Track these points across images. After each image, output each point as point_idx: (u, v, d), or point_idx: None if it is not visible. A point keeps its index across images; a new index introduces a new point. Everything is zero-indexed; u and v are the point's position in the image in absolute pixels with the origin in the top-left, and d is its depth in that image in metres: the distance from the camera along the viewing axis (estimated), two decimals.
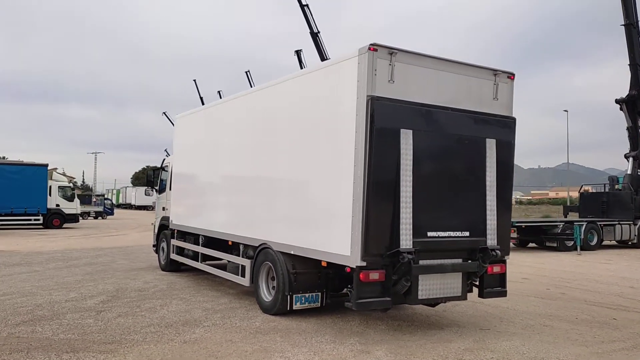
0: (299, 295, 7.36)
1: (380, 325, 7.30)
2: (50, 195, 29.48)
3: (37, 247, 18.11)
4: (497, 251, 6.80)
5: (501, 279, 7.33)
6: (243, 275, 8.53)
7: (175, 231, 11.59)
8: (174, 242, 11.56)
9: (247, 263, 8.41)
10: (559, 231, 19.95)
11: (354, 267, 6.15)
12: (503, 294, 7.41)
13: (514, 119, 7.26)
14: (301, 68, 43.50)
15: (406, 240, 6.20)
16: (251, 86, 52.02)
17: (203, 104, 59.11)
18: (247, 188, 8.84)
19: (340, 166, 6.44)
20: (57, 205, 29.87)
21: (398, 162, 6.20)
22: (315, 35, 38.96)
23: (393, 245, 6.18)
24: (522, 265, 15.01)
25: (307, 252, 7.03)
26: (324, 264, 6.87)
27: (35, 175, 28.80)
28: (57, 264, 13.43)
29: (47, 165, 29.65)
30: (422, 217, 6.38)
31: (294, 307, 7.33)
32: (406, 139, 6.26)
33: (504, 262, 7.31)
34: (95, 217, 44.51)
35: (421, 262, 6.42)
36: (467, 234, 6.75)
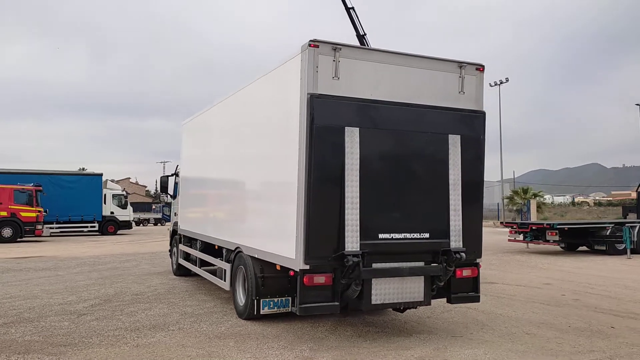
0: (267, 299, 7.22)
1: (347, 331, 7.05)
2: (105, 203, 30.91)
3: (78, 253, 18.97)
4: (462, 254, 6.39)
5: (473, 283, 6.91)
6: (225, 280, 8.52)
7: (182, 236, 11.78)
8: (181, 247, 11.76)
9: (227, 267, 8.39)
10: (607, 233, 18.64)
11: (297, 270, 5.98)
12: (475, 299, 6.97)
13: (482, 113, 6.83)
14: None
15: (352, 243, 5.95)
16: None
17: None
18: (225, 193, 8.87)
19: (288, 167, 6.29)
20: (112, 212, 31.28)
21: (343, 162, 5.97)
22: (361, 38, 38.82)
23: (339, 248, 5.95)
24: (554, 270, 14.17)
25: (267, 255, 6.91)
26: (277, 267, 6.71)
27: (90, 184, 30.35)
28: (82, 269, 13.99)
29: (101, 174, 31.14)
30: (373, 219, 6.11)
31: (262, 312, 7.20)
32: (352, 137, 6.02)
33: (476, 265, 6.88)
34: (155, 224, 46.20)
35: (375, 265, 6.16)
36: (426, 235, 6.40)
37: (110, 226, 31.03)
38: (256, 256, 7.21)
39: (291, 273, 6.10)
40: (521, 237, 19.56)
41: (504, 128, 48.68)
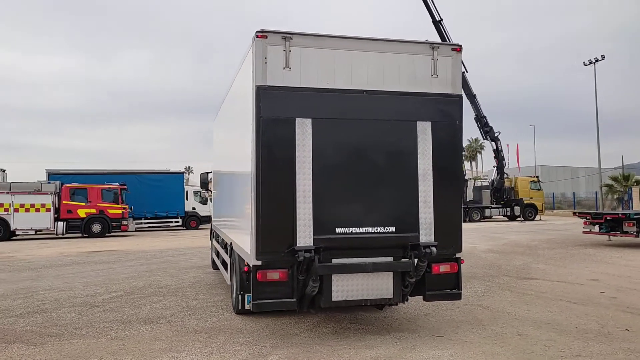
0: (250, 294, 7.21)
1: (327, 328, 6.87)
2: (187, 199, 32.51)
3: (148, 247, 20.10)
4: (432, 248, 5.97)
5: (453, 279, 6.44)
6: (227, 274, 8.64)
7: (213, 231, 12.10)
8: (212, 241, 12.08)
9: (229, 262, 8.49)
10: None
11: (251, 266, 5.90)
12: (455, 296, 6.50)
13: (458, 96, 6.34)
14: None
15: (305, 238, 5.77)
16: None
17: None
18: (225, 188, 8.97)
19: (248, 162, 6.21)
20: (193, 208, 32.81)
21: (294, 155, 5.80)
22: (437, 24, 37.62)
23: (293, 244, 5.79)
24: (619, 265, 12.90)
25: (240, 250, 6.89)
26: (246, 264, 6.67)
27: (174, 182, 32.07)
28: (137, 262, 14.80)
29: (183, 172, 32.80)
30: (329, 213, 5.89)
31: (246, 307, 7.20)
32: (303, 128, 5.83)
33: (456, 260, 6.40)
34: None
35: (335, 260, 5.93)
36: (392, 229, 6.05)
37: (192, 221, 32.57)
38: (237, 251, 7.22)
39: (245, 269, 6.03)
40: (596, 228, 17.96)
41: (615, 109, 44.93)
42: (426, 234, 6.09)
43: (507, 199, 39.05)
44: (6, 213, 25.32)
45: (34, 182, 27.06)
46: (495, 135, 38.79)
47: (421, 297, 6.54)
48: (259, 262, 5.83)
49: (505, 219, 39.72)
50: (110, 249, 19.67)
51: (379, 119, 6.08)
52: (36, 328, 7.14)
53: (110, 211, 26.77)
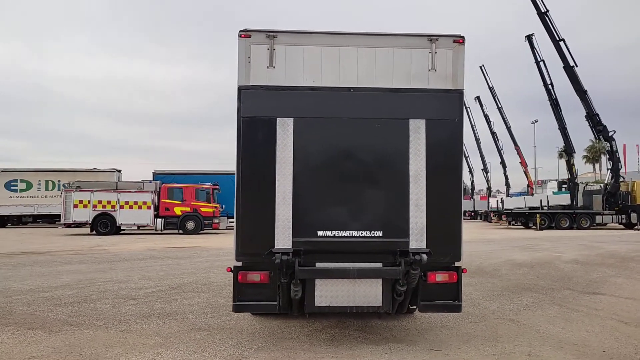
0: None
1: (324, 334, 6.63)
2: None
3: (229, 245, 20.85)
4: (423, 255, 5.54)
5: (452, 290, 5.92)
6: None
7: None
8: None
9: None
10: None
11: (232, 267, 5.87)
12: (453, 308, 5.99)
13: (458, 92, 5.83)
14: (534, 55, 39.69)
15: (283, 240, 5.63)
16: (487, 83, 49.67)
17: None
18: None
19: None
20: None
21: (274, 155, 5.68)
22: (543, 15, 35.30)
23: (273, 246, 5.67)
24: None
25: None
26: None
27: None
28: (206, 259, 15.41)
29: None
30: (311, 215, 5.70)
31: None
32: (284, 128, 5.69)
33: (456, 269, 5.89)
34: None
35: (318, 264, 5.73)
36: (379, 234, 5.71)
37: None
38: None
39: (227, 269, 6.00)
40: None
41: None
42: (417, 239, 5.68)
43: (622, 205, 35.65)
44: (113, 210, 27.63)
45: (137, 182, 29.26)
46: (610, 134, 35.60)
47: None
48: (239, 263, 5.79)
49: (621, 226, 36.30)
50: (194, 245, 20.68)
51: (367, 118, 5.77)
52: (65, 317, 7.65)
53: (203, 210, 28.22)
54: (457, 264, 5.91)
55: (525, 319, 7.57)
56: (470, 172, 60.72)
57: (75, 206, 27.61)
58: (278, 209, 5.65)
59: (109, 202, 27.60)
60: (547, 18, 35.10)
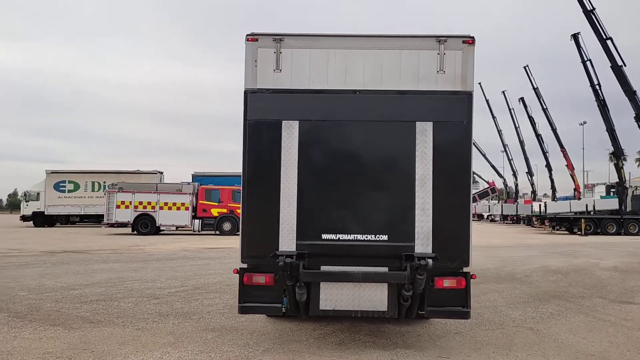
0: None
1: (335, 337, 6.59)
2: None
3: None
4: (428, 260, 5.43)
5: (459, 296, 5.79)
6: None
7: None
8: None
9: None
10: None
11: (238, 268, 5.92)
12: (461, 315, 5.84)
13: (467, 94, 5.71)
14: (580, 54, 38.40)
15: (287, 243, 5.65)
16: (531, 83, 48.33)
17: (489, 107, 57.52)
18: None
19: None
20: None
21: (279, 157, 5.70)
22: (589, 13, 34.17)
23: (278, 248, 5.70)
24: None
25: None
26: None
27: None
28: (235, 260, 15.46)
29: None
30: (315, 218, 5.70)
31: None
32: (289, 131, 5.71)
33: (464, 275, 5.76)
34: None
35: (323, 268, 5.72)
36: (384, 237, 5.65)
37: None
38: None
39: (234, 271, 6.06)
40: None
41: None
42: (423, 244, 5.59)
43: None
44: (153, 210, 28.35)
45: (176, 183, 29.94)
46: None
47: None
48: (245, 265, 5.84)
49: None
50: (228, 246, 20.97)
51: (373, 120, 5.72)
52: (87, 314, 7.89)
53: (239, 211, 28.53)
54: (465, 269, 5.78)
55: (546, 327, 7.32)
56: (514, 175, 59.36)
57: (118, 207, 28.49)
58: (282, 212, 5.67)
59: (149, 203, 28.34)
60: (593, 16, 33.94)
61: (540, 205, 41.01)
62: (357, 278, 5.64)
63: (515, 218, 53.24)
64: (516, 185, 59.63)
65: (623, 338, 6.80)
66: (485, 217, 61.42)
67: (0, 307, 8.40)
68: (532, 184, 55.11)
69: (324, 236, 5.68)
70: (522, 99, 51.15)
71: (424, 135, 5.64)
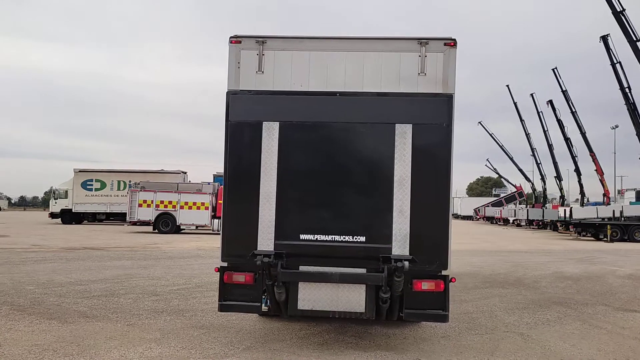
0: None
1: (319, 338, 6.63)
2: None
3: None
4: (405, 262, 5.43)
5: (437, 299, 5.75)
6: None
7: None
8: None
9: None
10: None
11: (219, 267, 6.01)
12: (439, 318, 5.81)
13: (447, 96, 5.68)
14: (609, 57, 37.49)
15: (266, 242, 5.71)
16: (561, 88, 47.37)
17: (517, 109, 56.62)
18: None
19: None
20: None
21: (259, 158, 5.77)
22: (619, 15, 33.38)
23: (256, 248, 5.77)
24: None
25: None
26: None
27: None
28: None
29: None
30: (294, 218, 5.74)
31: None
32: (270, 132, 5.77)
33: (443, 278, 5.73)
34: None
35: (302, 268, 5.77)
36: (361, 239, 5.66)
37: None
38: None
39: (215, 269, 6.14)
40: None
41: None
42: (400, 246, 5.58)
43: None
44: (174, 209, 28.79)
45: (197, 183, 30.33)
46: None
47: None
48: (225, 264, 5.92)
49: None
50: None
51: (354, 122, 5.75)
52: (85, 309, 8.10)
53: None
54: (444, 272, 5.75)
55: (537, 333, 7.21)
56: (543, 179, 58.22)
57: (140, 205, 29.03)
58: (261, 212, 5.74)
59: (170, 202, 28.81)
60: (623, 17, 33.15)
61: (565, 210, 40.10)
62: (334, 279, 5.66)
63: (541, 223, 52.22)
64: (544, 190, 58.44)
65: (614, 346, 6.65)
66: (511, 221, 60.41)
67: (5, 300, 8.69)
68: (561, 189, 53.93)
69: (302, 236, 5.73)
70: (550, 102, 50.14)
71: (403, 137, 5.64)
